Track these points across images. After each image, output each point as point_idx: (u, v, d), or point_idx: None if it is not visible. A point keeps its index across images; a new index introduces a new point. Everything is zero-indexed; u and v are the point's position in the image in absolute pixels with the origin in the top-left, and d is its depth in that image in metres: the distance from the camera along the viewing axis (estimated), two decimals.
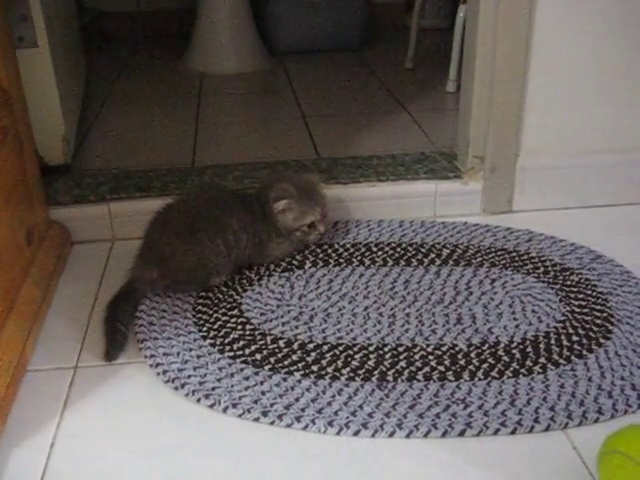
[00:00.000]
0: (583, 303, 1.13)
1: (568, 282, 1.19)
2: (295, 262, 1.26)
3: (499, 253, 1.28)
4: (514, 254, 1.28)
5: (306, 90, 2.15)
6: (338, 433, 0.89)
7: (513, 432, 0.89)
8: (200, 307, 1.13)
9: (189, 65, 2.43)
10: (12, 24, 1.28)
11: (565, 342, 1.04)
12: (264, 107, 2.08)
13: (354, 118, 1.88)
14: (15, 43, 1.29)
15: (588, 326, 1.08)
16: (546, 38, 1.33)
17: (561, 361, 1.00)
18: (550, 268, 1.23)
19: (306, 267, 1.24)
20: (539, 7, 1.30)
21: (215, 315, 1.11)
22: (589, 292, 1.16)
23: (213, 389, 0.95)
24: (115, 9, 2.98)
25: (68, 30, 1.78)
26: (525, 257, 1.27)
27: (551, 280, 1.20)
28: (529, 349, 1.03)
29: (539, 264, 1.24)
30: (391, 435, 0.88)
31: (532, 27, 1.31)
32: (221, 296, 1.16)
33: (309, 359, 1.01)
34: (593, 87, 1.38)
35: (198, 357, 1.01)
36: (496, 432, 0.89)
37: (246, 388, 0.95)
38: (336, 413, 0.91)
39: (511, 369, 0.99)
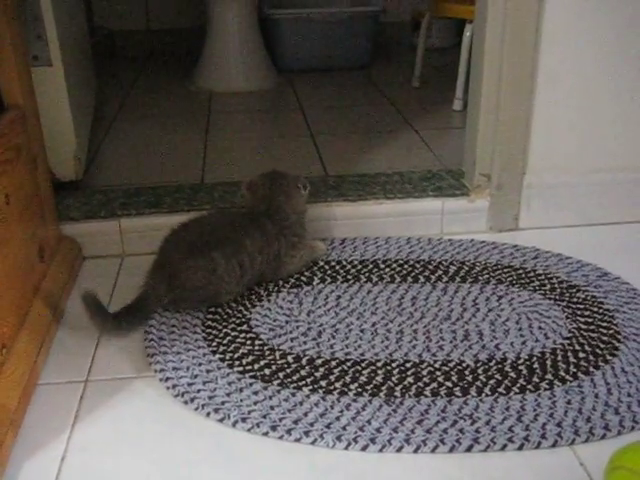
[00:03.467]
0: (589, 320, 1.14)
1: (574, 299, 1.20)
2: (304, 278, 1.27)
3: (506, 270, 1.29)
4: (521, 271, 1.28)
5: (314, 108, 2.18)
6: (346, 448, 0.89)
7: (520, 448, 0.89)
8: (209, 322, 1.14)
9: (198, 83, 2.46)
10: (27, 43, 1.31)
11: (572, 359, 1.05)
12: (272, 125, 2.11)
13: (361, 136, 1.90)
14: (30, 62, 1.31)
15: (595, 343, 1.08)
16: (552, 58, 1.35)
17: (568, 377, 1.01)
18: (557, 285, 1.24)
19: (314, 283, 1.25)
20: (545, 26, 1.32)
21: (224, 330, 1.12)
22: (595, 309, 1.17)
23: (222, 403, 0.95)
24: (125, 28, 3.03)
25: (80, 49, 1.81)
26: (532, 274, 1.27)
27: (558, 297, 1.20)
28: (536, 365, 1.03)
29: (546, 281, 1.25)
30: (399, 450, 0.89)
31: (539, 46, 1.33)
32: (230, 311, 1.17)
33: (317, 374, 1.02)
34: (600, 107, 1.40)
35: (207, 372, 1.02)
36: (503, 448, 0.89)
37: (255, 403, 0.96)
38: (344, 428, 0.91)
39: (518, 385, 0.99)
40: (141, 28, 3.05)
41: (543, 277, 1.27)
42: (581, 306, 1.18)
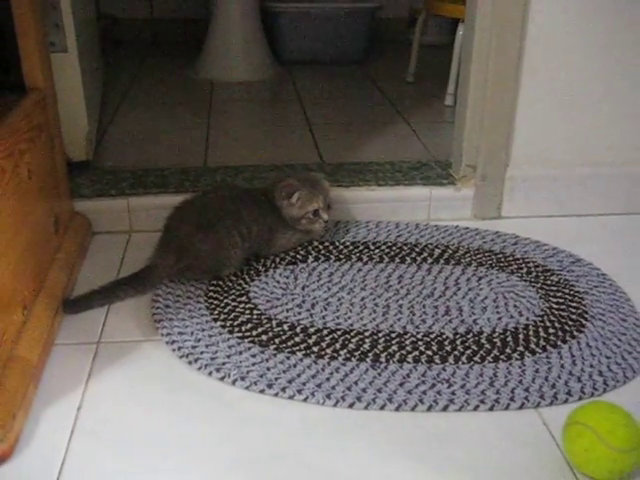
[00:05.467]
0: (561, 300, 1.24)
1: (548, 282, 1.30)
2: (299, 256, 1.37)
3: (486, 254, 1.39)
4: (500, 255, 1.39)
5: (312, 99, 2.27)
6: (335, 405, 0.99)
7: (491, 408, 0.99)
8: (212, 293, 1.24)
9: (201, 72, 2.55)
10: (46, 31, 1.39)
11: (542, 334, 1.15)
12: (272, 114, 2.20)
13: (356, 127, 1.99)
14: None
15: (564, 320, 1.18)
16: (536, 58, 1.44)
17: (537, 350, 1.11)
18: (533, 269, 1.34)
19: (309, 261, 1.35)
20: (530, 28, 1.42)
21: (225, 300, 1.22)
22: (567, 291, 1.27)
23: (223, 364, 1.05)
24: (129, 16, 3.11)
25: (90, 36, 1.90)
26: (510, 258, 1.38)
27: (533, 279, 1.31)
28: (509, 339, 1.13)
29: (523, 265, 1.35)
30: (382, 408, 0.99)
31: (523, 47, 1.43)
32: (231, 284, 1.27)
33: (310, 341, 1.11)
34: (579, 105, 1.50)
35: (210, 336, 1.12)
36: (476, 408, 0.99)
37: (253, 364, 1.06)
38: (333, 388, 1.01)
39: (492, 355, 1.09)
40: (145, 16, 3.13)
41: (521, 261, 1.37)
42: (554, 288, 1.28)
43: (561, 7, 1.41)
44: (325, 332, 1.14)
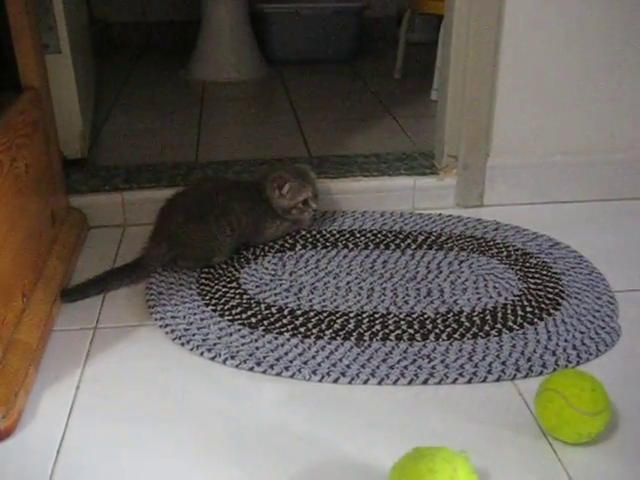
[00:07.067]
0: (539, 281, 1.29)
1: (527, 264, 1.35)
2: (287, 245, 1.42)
3: (468, 239, 1.44)
4: (481, 240, 1.44)
5: (301, 97, 2.32)
6: (320, 380, 1.04)
7: (469, 381, 1.04)
8: (203, 280, 1.29)
9: (192, 73, 2.60)
10: (40, 33, 1.44)
11: (520, 312, 1.20)
12: (262, 112, 2.25)
13: (344, 123, 2.05)
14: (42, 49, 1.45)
15: (541, 299, 1.24)
16: (512, 52, 1.50)
17: (515, 327, 1.16)
18: (512, 252, 1.39)
19: (297, 249, 1.41)
20: (506, 22, 1.47)
21: (216, 287, 1.27)
22: (545, 272, 1.32)
23: (214, 345, 1.11)
24: (122, 19, 3.16)
25: (83, 38, 1.95)
26: (491, 243, 1.43)
27: (512, 262, 1.36)
28: (488, 317, 1.18)
29: (503, 249, 1.41)
30: (365, 382, 1.04)
31: (499, 41, 1.48)
32: (221, 272, 1.32)
33: (297, 322, 1.17)
34: (556, 95, 1.55)
35: (201, 320, 1.17)
36: (454, 381, 1.04)
37: (242, 344, 1.11)
38: (319, 364, 1.07)
39: (471, 332, 1.14)
40: (137, 20, 3.18)
41: (501, 245, 1.42)
42: (532, 270, 1.33)
43: (537, 1, 1.46)
44: (311, 314, 1.19)
